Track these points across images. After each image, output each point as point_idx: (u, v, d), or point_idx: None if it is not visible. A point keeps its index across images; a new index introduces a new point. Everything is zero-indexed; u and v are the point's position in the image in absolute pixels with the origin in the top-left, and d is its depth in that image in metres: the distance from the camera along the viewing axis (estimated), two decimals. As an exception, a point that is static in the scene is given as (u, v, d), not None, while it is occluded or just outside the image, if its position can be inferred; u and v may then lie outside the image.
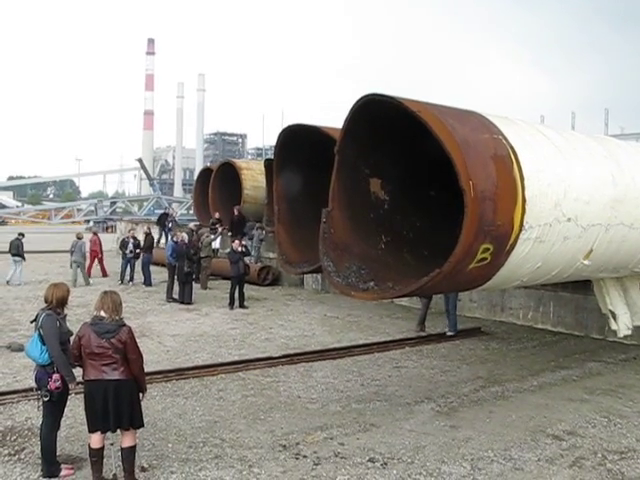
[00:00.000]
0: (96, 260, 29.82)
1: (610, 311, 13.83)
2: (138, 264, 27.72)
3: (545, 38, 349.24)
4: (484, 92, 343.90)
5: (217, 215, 30.90)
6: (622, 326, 13.85)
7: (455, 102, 9.64)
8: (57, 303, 8.31)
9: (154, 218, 65.38)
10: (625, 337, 14.55)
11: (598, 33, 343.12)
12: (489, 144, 8.96)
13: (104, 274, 29.56)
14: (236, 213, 29.73)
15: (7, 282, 26.42)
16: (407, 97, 8.98)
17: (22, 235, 28.42)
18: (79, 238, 28.07)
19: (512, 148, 9.15)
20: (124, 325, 7.88)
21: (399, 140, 10.06)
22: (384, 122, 9.54)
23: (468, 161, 8.27)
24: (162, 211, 46.30)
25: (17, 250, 27.36)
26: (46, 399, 8.09)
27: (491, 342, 16.90)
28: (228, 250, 24.38)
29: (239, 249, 22.04)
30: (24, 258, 27.74)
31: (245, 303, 21.96)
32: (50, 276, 27.28)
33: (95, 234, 31.18)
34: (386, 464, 8.75)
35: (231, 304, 21.66)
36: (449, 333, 17.49)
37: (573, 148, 10.85)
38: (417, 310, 18.94)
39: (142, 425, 8.12)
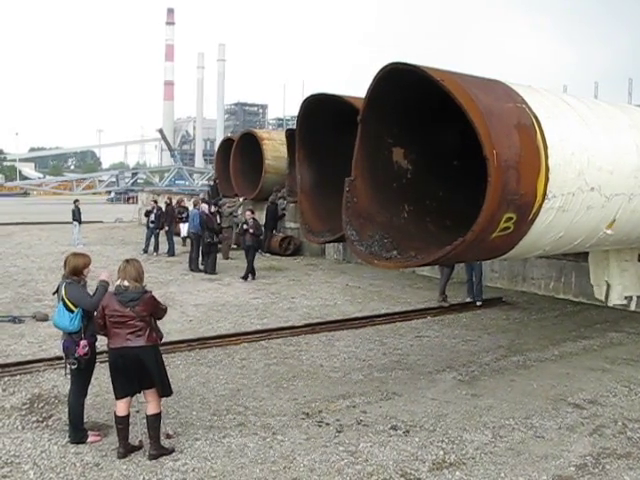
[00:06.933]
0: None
1: (606, 282, 14.26)
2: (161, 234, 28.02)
3: (568, 8, 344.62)
4: (507, 61, 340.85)
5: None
6: (615, 295, 14.19)
7: (478, 72, 9.60)
8: (70, 272, 8.33)
9: (175, 189, 65.81)
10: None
11: (621, 2, 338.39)
12: (513, 113, 8.91)
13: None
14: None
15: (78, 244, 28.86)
16: (431, 66, 8.94)
17: (77, 201, 31.25)
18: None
19: (536, 117, 9.09)
20: (147, 292, 7.97)
21: (422, 109, 10.02)
22: (407, 91, 9.51)
23: (492, 130, 8.24)
24: (208, 183, 46.39)
25: (73, 215, 30.38)
26: (74, 366, 8.18)
27: (512, 312, 16.91)
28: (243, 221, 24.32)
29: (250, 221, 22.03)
30: (80, 222, 30.52)
31: (249, 276, 21.43)
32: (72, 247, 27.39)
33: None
34: (408, 432, 8.81)
35: (252, 274, 21.68)
36: (478, 303, 17.49)
37: (597, 117, 10.76)
38: (438, 280, 18.92)
39: (171, 393, 8.25)
